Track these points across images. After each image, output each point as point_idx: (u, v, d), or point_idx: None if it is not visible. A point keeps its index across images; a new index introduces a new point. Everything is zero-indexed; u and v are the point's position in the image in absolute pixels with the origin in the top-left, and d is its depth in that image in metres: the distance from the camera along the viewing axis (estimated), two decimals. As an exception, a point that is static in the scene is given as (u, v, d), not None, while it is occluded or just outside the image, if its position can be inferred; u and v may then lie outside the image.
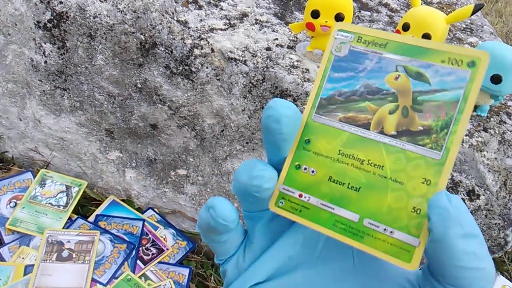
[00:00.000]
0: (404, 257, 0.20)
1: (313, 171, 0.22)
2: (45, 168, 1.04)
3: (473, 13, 0.71)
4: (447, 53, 0.20)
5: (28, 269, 0.87)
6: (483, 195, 0.73)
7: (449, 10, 1.05)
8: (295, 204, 0.22)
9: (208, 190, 0.95)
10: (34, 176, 1.01)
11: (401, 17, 0.96)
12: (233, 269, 0.25)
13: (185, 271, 0.96)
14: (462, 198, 0.75)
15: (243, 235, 0.25)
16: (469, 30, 1.03)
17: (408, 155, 0.20)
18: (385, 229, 0.20)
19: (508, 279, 0.93)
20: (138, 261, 0.95)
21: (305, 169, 0.22)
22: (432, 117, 0.20)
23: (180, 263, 0.97)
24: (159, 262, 0.96)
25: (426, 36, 0.73)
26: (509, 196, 0.74)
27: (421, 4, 0.78)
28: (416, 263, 0.19)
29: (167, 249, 0.98)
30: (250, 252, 0.25)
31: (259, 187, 0.22)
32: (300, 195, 0.22)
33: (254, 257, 0.24)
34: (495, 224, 0.76)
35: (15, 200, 0.97)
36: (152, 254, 0.97)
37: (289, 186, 0.23)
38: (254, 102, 0.80)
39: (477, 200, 0.74)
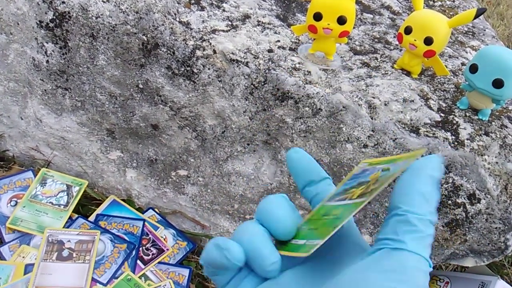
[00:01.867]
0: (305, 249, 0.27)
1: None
2: (46, 167, 1.04)
3: (475, 17, 0.71)
4: (409, 154, 0.28)
5: (28, 268, 0.87)
6: (484, 199, 0.73)
7: (451, 13, 1.05)
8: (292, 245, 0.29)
9: (209, 191, 0.95)
10: (35, 175, 1.01)
11: (403, 20, 0.96)
12: None
13: (185, 272, 0.96)
14: (463, 202, 0.75)
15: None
16: (471, 33, 1.03)
17: (339, 206, 0.28)
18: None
19: (508, 283, 0.93)
20: (138, 261, 0.95)
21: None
22: (378, 183, 0.27)
23: (180, 264, 0.98)
24: (159, 262, 0.96)
25: (429, 39, 0.73)
26: (510, 200, 0.74)
27: (424, 8, 0.78)
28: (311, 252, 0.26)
29: (167, 249, 0.98)
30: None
31: (272, 276, 0.27)
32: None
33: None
34: (496, 228, 0.76)
35: (15, 199, 0.98)
36: (152, 254, 0.97)
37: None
38: (256, 104, 0.80)
39: (478, 204, 0.74)
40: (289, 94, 0.77)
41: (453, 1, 1.11)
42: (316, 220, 0.29)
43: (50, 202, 0.98)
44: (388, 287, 0.21)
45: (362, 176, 0.30)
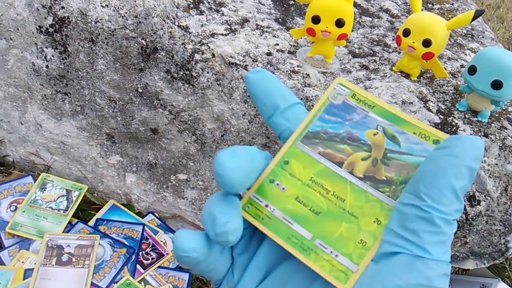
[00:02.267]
0: (341, 278, 0.23)
1: (283, 188, 0.25)
2: (46, 172, 1.04)
3: (473, 19, 0.71)
4: (419, 128, 0.25)
5: (27, 273, 0.87)
6: (484, 201, 0.73)
7: (450, 16, 1.05)
8: (260, 212, 0.25)
9: (208, 194, 0.95)
10: (35, 180, 1.01)
11: (402, 22, 0.96)
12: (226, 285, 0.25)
13: (185, 276, 0.95)
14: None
15: (231, 258, 0.26)
16: (470, 36, 1.03)
17: (368, 196, 0.24)
18: (331, 252, 0.23)
19: (509, 285, 0.93)
20: (138, 266, 0.94)
21: (277, 184, 0.25)
22: (396, 172, 0.24)
23: (179, 268, 0.97)
24: (158, 267, 0.96)
25: (427, 41, 0.74)
26: (510, 202, 0.74)
27: (422, 10, 0.78)
28: (350, 286, 0.22)
29: (167, 253, 0.98)
30: (237, 269, 0.25)
31: (227, 242, 0.23)
32: (267, 206, 0.25)
33: (241, 271, 0.25)
34: (496, 230, 0.75)
35: (15, 204, 0.98)
36: (152, 258, 0.97)
37: (259, 195, 0.25)
38: (255, 107, 0.80)
39: (478, 206, 0.74)
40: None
41: (452, 4, 1.11)
42: (296, 180, 0.25)
43: (49, 207, 0.98)
44: None
45: (349, 121, 0.26)
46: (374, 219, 0.23)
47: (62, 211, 0.98)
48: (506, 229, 0.75)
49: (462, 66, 0.89)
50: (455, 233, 0.77)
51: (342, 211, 0.24)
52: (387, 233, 0.22)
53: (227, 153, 0.23)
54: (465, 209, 0.74)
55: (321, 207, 0.24)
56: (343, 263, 0.23)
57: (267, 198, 0.25)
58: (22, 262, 0.88)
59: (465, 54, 0.94)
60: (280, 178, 0.25)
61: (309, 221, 0.24)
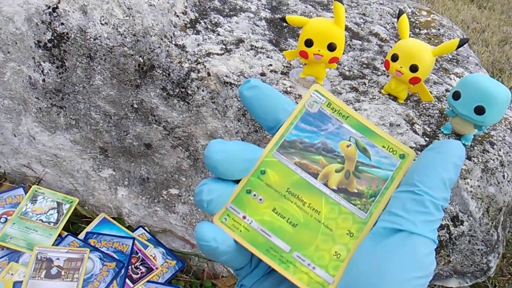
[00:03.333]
0: None
1: (261, 199, 0.26)
2: (37, 184, 1.04)
3: (458, 47, 0.74)
4: (388, 142, 0.26)
5: (16, 286, 0.86)
6: (467, 221, 0.76)
7: (436, 41, 1.09)
8: (238, 224, 0.25)
9: (200, 210, 0.96)
10: (26, 192, 1.02)
11: (391, 46, 1.00)
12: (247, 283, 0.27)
13: (174, 291, 0.96)
14: (447, 224, 0.77)
15: (246, 258, 0.27)
16: (455, 61, 1.07)
17: (341, 209, 0.25)
18: (309, 264, 0.24)
19: (491, 304, 0.95)
20: (127, 280, 0.95)
21: (254, 195, 0.26)
22: (366, 185, 0.25)
23: (169, 283, 0.98)
24: (148, 281, 0.96)
25: (414, 67, 0.77)
26: (492, 222, 0.76)
27: (410, 36, 0.81)
28: None
29: (156, 268, 0.98)
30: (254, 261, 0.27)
31: (200, 200, 0.25)
32: (244, 217, 0.25)
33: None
34: (478, 249, 0.78)
35: (5, 216, 0.97)
36: (141, 272, 0.97)
37: (236, 206, 0.25)
38: (248, 125, 0.82)
39: (461, 226, 0.76)
40: (280, 116, 0.79)
41: (438, 30, 1.15)
42: (273, 191, 0.25)
43: (40, 220, 0.98)
44: (407, 279, 0.21)
45: (324, 131, 0.27)
46: (347, 231, 0.24)
47: (52, 224, 0.98)
48: (488, 249, 0.78)
49: (447, 90, 0.93)
50: (439, 252, 0.80)
51: (317, 223, 0.25)
52: (384, 214, 0.24)
53: (219, 140, 0.25)
54: (449, 228, 0.77)
55: (297, 219, 0.25)
56: (320, 275, 0.24)
57: (245, 209, 0.25)
58: (11, 274, 0.88)
59: (450, 79, 0.98)
60: (257, 189, 0.26)
61: (286, 233, 0.25)
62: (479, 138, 0.82)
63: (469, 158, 0.77)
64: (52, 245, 0.95)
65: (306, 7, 1.06)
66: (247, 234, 0.25)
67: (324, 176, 0.26)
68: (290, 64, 0.88)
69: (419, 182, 0.24)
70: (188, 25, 0.88)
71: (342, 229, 0.25)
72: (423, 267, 0.22)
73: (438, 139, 0.79)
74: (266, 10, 1.02)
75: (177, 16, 0.87)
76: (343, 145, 0.26)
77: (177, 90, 0.83)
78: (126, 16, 0.81)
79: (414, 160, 0.26)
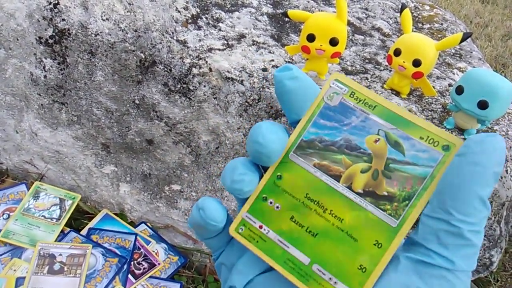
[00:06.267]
0: None
1: (277, 207, 0.23)
2: (39, 181, 1.04)
3: (461, 41, 0.74)
4: (427, 132, 0.22)
5: (19, 282, 0.87)
6: (470, 216, 0.76)
7: (439, 36, 1.08)
8: (254, 234, 0.23)
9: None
10: (28, 188, 1.02)
11: (393, 41, 0.99)
12: (226, 260, 0.25)
13: (176, 286, 0.96)
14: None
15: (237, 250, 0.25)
16: (458, 55, 1.07)
17: (367, 216, 0.22)
18: (330, 278, 0.22)
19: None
20: (130, 275, 0.95)
21: (270, 203, 0.23)
22: (398, 186, 0.22)
23: (171, 278, 0.98)
24: (150, 277, 0.96)
25: (417, 61, 0.76)
26: (494, 217, 0.76)
27: (412, 31, 0.81)
28: None
29: (159, 263, 0.98)
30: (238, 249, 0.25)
31: (240, 190, 0.23)
32: (261, 227, 0.23)
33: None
34: (481, 244, 0.78)
35: (8, 212, 0.98)
36: (144, 268, 0.97)
37: (252, 215, 0.24)
38: (250, 121, 0.82)
39: (464, 221, 0.76)
40: (282, 111, 0.79)
41: (441, 24, 1.15)
42: (291, 198, 0.23)
43: (42, 216, 0.98)
44: None
45: (347, 126, 0.23)
46: (375, 241, 0.21)
47: (55, 220, 0.98)
48: (491, 243, 0.78)
49: (450, 85, 0.92)
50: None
51: (340, 232, 0.22)
52: (416, 245, 0.21)
53: (268, 124, 0.23)
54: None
55: (318, 227, 0.22)
56: None
57: (261, 218, 0.23)
58: (14, 270, 0.89)
59: (453, 73, 0.97)
60: (274, 196, 0.23)
61: (305, 244, 0.22)
62: (482, 133, 0.81)
63: (472, 153, 0.77)
64: (55, 241, 0.95)
65: (308, 1, 1.05)
66: (264, 245, 0.23)
67: (348, 178, 0.23)
68: (292, 59, 0.88)
69: (454, 209, 0.20)
70: (190, 21, 0.88)
71: (369, 239, 0.22)
72: None
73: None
74: (268, 5, 1.02)
75: (179, 11, 0.87)
76: (370, 141, 0.23)
77: (179, 86, 0.83)
78: (127, 11, 0.81)
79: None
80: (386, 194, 0.22)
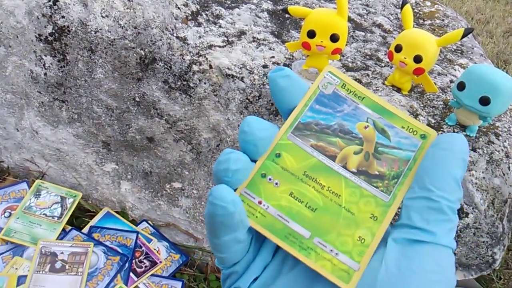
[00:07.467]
0: (344, 278, 0.22)
1: (276, 183, 0.24)
2: (41, 179, 1.04)
3: (463, 37, 0.73)
4: (407, 122, 0.25)
5: (21, 280, 0.87)
6: (472, 213, 0.75)
7: (440, 32, 1.08)
8: (253, 210, 0.24)
9: (203, 203, 0.96)
10: (29, 187, 1.02)
11: (394, 38, 0.99)
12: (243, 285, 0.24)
13: (178, 284, 0.96)
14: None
15: (249, 245, 0.24)
16: (459, 51, 1.06)
17: (362, 192, 0.24)
18: (331, 250, 0.23)
19: (496, 296, 0.94)
20: (131, 274, 0.95)
21: (269, 179, 0.24)
22: (387, 166, 0.25)
23: (173, 276, 0.98)
24: (152, 275, 0.96)
25: (418, 57, 0.76)
26: (497, 214, 0.76)
27: (413, 27, 0.80)
28: (354, 285, 0.22)
29: (160, 261, 0.98)
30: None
31: (226, 170, 0.23)
32: (260, 202, 0.24)
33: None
34: (483, 242, 0.77)
35: (9, 210, 0.98)
36: (145, 266, 0.97)
37: (251, 191, 0.24)
38: (250, 118, 0.82)
39: (466, 218, 0.76)
40: (283, 109, 0.79)
41: (443, 20, 1.14)
42: (289, 174, 0.24)
43: (44, 214, 0.98)
44: None
45: (340, 113, 0.26)
46: (370, 214, 0.23)
47: (56, 218, 0.98)
48: (493, 241, 0.77)
49: (451, 81, 0.92)
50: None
51: (338, 207, 0.24)
52: (403, 226, 0.23)
53: (255, 117, 0.24)
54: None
55: (317, 203, 0.24)
56: (344, 261, 0.23)
57: (260, 194, 0.24)
58: (16, 268, 0.89)
59: (455, 70, 0.97)
60: (273, 173, 0.24)
61: (305, 218, 0.23)
62: (484, 129, 0.81)
63: (474, 149, 0.76)
64: (56, 239, 0.95)
65: (309, -2, 1.05)
66: (264, 220, 0.23)
67: (343, 159, 0.25)
68: (293, 56, 0.87)
69: (433, 186, 0.22)
70: (190, 17, 0.87)
71: (365, 213, 0.23)
72: (449, 280, 0.21)
73: (443, 131, 0.78)
74: (268, 1, 1.01)
75: (178, 8, 0.87)
76: (360, 127, 0.25)
77: (179, 83, 0.82)
78: (127, 8, 0.81)
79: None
80: (377, 173, 0.24)
